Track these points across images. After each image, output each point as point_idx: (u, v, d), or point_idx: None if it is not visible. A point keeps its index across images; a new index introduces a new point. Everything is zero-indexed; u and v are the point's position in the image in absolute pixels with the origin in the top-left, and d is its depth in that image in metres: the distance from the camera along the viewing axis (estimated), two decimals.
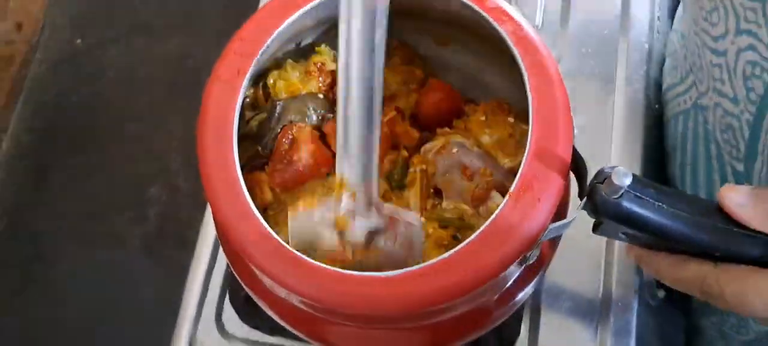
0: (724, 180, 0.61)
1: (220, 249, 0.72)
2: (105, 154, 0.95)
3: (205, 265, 0.75)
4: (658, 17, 0.77)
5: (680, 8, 0.71)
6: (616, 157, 0.69)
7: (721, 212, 0.43)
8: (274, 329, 0.67)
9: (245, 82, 0.47)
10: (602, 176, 0.43)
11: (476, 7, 0.49)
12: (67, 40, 1.04)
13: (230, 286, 0.70)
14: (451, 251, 0.42)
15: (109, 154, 0.95)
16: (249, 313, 0.68)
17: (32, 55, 1.04)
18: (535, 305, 0.66)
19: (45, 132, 0.98)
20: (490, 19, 0.48)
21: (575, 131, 0.48)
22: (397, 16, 0.55)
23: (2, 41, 0.99)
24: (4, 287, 0.92)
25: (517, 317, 0.65)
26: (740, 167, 0.59)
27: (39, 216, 0.95)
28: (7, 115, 1.01)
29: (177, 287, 0.81)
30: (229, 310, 0.71)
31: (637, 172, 0.69)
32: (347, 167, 0.45)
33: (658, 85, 0.74)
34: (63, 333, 0.88)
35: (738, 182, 0.60)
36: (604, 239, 0.60)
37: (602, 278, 0.66)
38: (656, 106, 0.73)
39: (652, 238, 0.44)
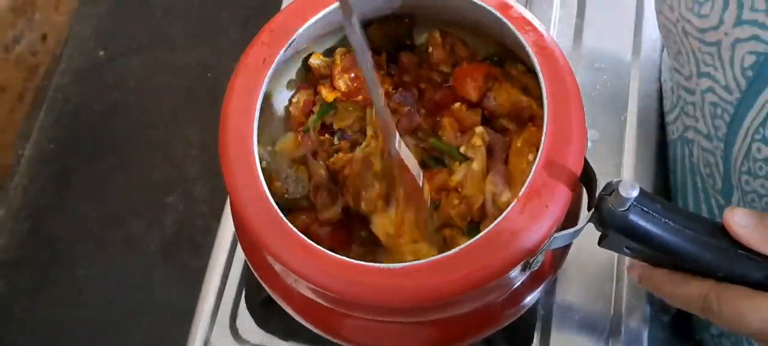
0: (709, 212, 0.62)
1: (235, 255, 0.73)
2: (124, 162, 0.97)
3: (221, 270, 0.76)
4: None
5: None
6: (628, 171, 0.69)
7: (725, 233, 0.43)
8: (288, 333, 0.68)
9: (270, 71, 0.48)
10: (610, 189, 0.44)
11: (500, 15, 0.50)
12: (90, 52, 1.06)
13: (245, 290, 0.71)
14: (456, 249, 0.43)
15: (128, 162, 0.96)
16: (263, 317, 0.69)
17: (56, 66, 1.06)
18: (546, 316, 0.66)
19: (67, 140, 1.00)
20: (513, 28, 0.49)
21: (589, 143, 0.48)
22: (428, 21, 0.56)
23: (27, 52, 1.01)
24: (23, 288, 0.94)
25: (528, 328, 0.66)
26: (722, 200, 0.59)
27: (59, 220, 0.96)
28: (31, 123, 1.03)
29: (192, 292, 0.82)
30: (243, 314, 0.72)
31: (649, 187, 0.69)
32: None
33: None
34: (79, 336, 0.89)
35: (721, 214, 0.60)
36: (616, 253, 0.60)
37: (614, 292, 0.66)
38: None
39: (656, 253, 0.45)
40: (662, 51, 0.76)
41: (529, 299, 0.53)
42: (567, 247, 0.55)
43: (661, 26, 0.55)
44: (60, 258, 0.93)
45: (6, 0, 0.97)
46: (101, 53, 1.07)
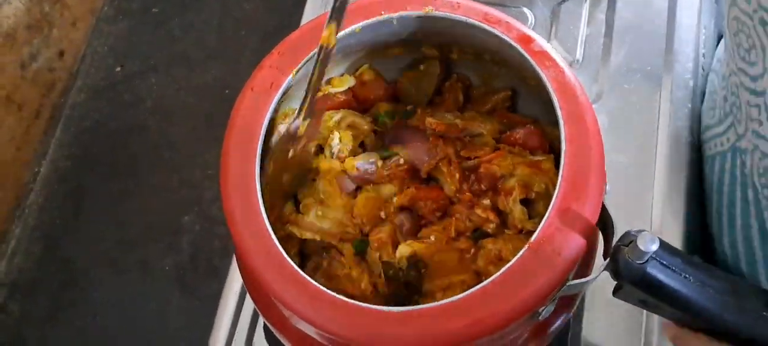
0: (761, 226, 0.59)
1: None
2: (141, 182, 0.96)
3: (237, 294, 0.74)
4: (703, 54, 0.76)
5: (720, 48, 0.69)
6: (659, 197, 0.67)
7: (757, 296, 0.40)
8: None
9: (277, 96, 0.47)
10: (628, 239, 0.41)
11: (520, 48, 0.48)
12: (107, 69, 1.06)
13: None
14: (463, 294, 0.40)
15: (144, 182, 0.95)
16: (279, 342, 0.67)
17: (73, 83, 1.05)
18: None
19: (83, 158, 0.99)
20: (533, 63, 0.47)
21: (607, 186, 0.46)
22: (452, 51, 0.55)
23: (44, 69, 1.00)
24: (37, 311, 0.92)
25: None
26: None
27: (74, 242, 0.95)
28: (47, 140, 1.03)
29: (208, 316, 0.81)
30: (259, 338, 0.70)
31: (681, 213, 0.67)
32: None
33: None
34: None
35: None
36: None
37: (644, 331, 0.64)
38: (701, 144, 0.71)
39: (672, 310, 0.42)
40: (707, 70, 0.74)
41: (549, 335, 0.51)
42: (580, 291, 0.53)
43: (731, 21, 0.52)
44: (74, 281, 0.91)
45: (22, 17, 0.97)
46: (118, 70, 1.06)
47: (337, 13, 0.44)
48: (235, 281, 0.76)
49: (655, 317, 0.64)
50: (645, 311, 0.64)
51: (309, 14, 0.82)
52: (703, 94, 0.74)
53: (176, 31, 1.08)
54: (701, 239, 0.70)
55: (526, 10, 0.77)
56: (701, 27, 0.76)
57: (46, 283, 0.93)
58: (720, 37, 0.80)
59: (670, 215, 0.67)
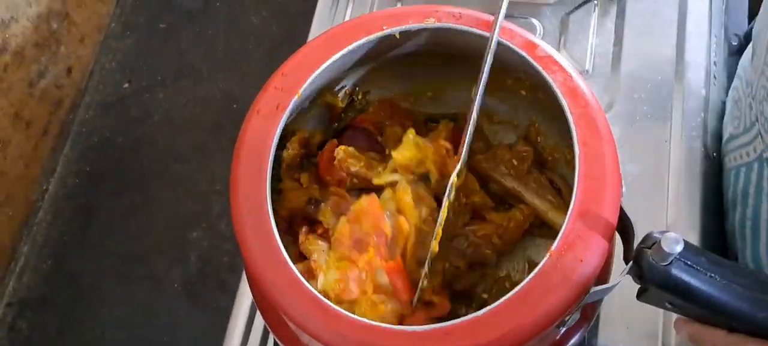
0: None
1: None
2: (148, 197, 0.96)
3: (247, 309, 0.73)
4: (715, 63, 0.75)
5: (746, 56, 0.68)
6: (673, 209, 0.66)
7: None
8: None
9: (284, 117, 0.46)
10: (650, 241, 0.40)
11: (526, 55, 0.47)
12: (114, 85, 1.06)
13: None
14: (487, 309, 0.40)
15: (153, 197, 0.95)
16: None
17: (81, 99, 1.05)
18: None
19: (91, 174, 0.99)
20: (540, 68, 0.47)
21: (623, 189, 0.45)
22: (452, 64, 0.54)
23: (52, 86, 1.00)
24: (47, 326, 0.92)
25: None
26: None
27: (83, 257, 0.95)
28: (55, 157, 1.03)
29: (216, 331, 0.80)
30: None
31: (696, 225, 0.66)
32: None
33: (716, 134, 0.71)
34: None
35: None
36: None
37: (661, 336, 0.63)
38: (714, 155, 0.70)
39: (701, 310, 0.41)
40: (718, 78, 0.73)
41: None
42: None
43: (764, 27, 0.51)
44: (83, 297, 0.91)
45: (30, 36, 0.97)
46: (126, 85, 1.06)
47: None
48: (244, 296, 0.75)
49: (671, 321, 0.63)
50: (662, 318, 0.63)
51: (317, 27, 0.81)
52: (717, 104, 0.73)
53: (183, 44, 1.08)
54: (717, 251, 0.69)
55: (534, 20, 0.76)
56: (712, 36, 0.75)
57: (55, 299, 0.93)
58: (734, 48, 0.79)
59: (685, 226, 0.66)
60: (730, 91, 0.69)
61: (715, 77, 0.74)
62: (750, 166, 0.61)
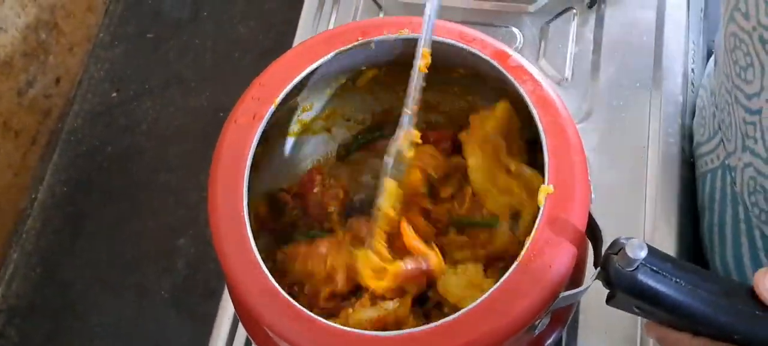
0: (752, 244, 0.59)
1: None
2: (137, 206, 0.96)
3: (231, 316, 0.74)
4: (693, 69, 0.76)
5: (710, 64, 0.69)
6: (651, 215, 0.67)
7: (748, 295, 0.41)
8: None
9: (260, 127, 0.47)
10: (617, 247, 0.42)
11: (498, 65, 0.48)
12: (103, 94, 1.06)
13: None
14: (456, 314, 0.41)
15: (141, 206, 0.96)
16: None
17: (69, 109, 1.06)
18: None
19: (80, 183, 1.00)
20: (511, 78, 0.48)
21: (593, 196, 0.46)
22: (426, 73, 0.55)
23: (41, 95, 1.01)
24: (35, 336, 0.93)
25: None
26: (766, 230, 0.56)
27: (72, 265, 0.96)
28: (44, 166, 1.03)
29: (205, 338, 0.81)
30: None
31: (673, 230, 0.67)
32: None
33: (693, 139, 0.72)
34: None
35: (764, 247, 0.57)
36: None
37: (639, 339, 0.63)
38: (692, 160, 0.71)
39: (667, 315, 0.42)
40: (696, 85, 0.74)
41: None
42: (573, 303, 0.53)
43: (729, 37, 0.52)
44: (72, 305, 0.92)
45: (19, 45, 0.98)
46: (114, 95, 1.07)
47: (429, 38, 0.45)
48: (228, 303, 0.76)
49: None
50: (639, 322, 0.64)
51: (300, 37, 0.83)
52: (693, 109, 0.74)
53: (171, 54, 1.08)
54: (694, 255, 0.70)
55: (514, 29, 0.77)
56: (690, 43, 0.76)
57: (44, 308, 0.94)
58: (709, 54, 0.80)
59: (662, 231, 0.67)
60: (697, 99, 0.71)
61: (692, 84, 0.75)
62: (715, 172, 0.63)
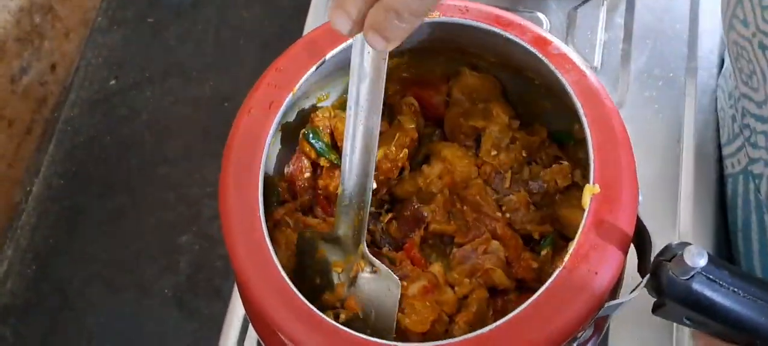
0: None
1: None
2: (137, 199, 0.92)
3: (241, 318, 0.70)
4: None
5: (727, 61, 0.66)
6: (685, 214, 0.63)
7: None
8: None
9: (278, 116, 0.43)
10: (670, 253, 0.39)
11: (539, 54, 0.45)
12: (101, 82, 1.02)
13: None
14: (496, 323, 0.38)
15: (140, 200, 0.92)
16: None
17: (66, 97, 1.02)
18: None
19: (77, 176, 0.96)
20: (553, 67, 0.44)
21: (640, 197, 0.43)
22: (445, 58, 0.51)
23: (36, 82, 0.97)
24: (33, 334, 0.89)
25: None
26: None
27: (69, 262, 0.92)
28: (40, 157, 0.99)
29: (209, 339, 0.77)
30: None
31: (709, 232, 0.63)
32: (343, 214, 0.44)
33: None
34: None
35: None
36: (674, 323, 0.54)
37: None
38: None
39: (722, 327, 0.39)
40: (718, 77, 0.70)
41: None
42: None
43: (731, 45, 0.49)
44: (69, 304, 0.88)
45: (12, 30, 0.93)
46: (112, 83, 1.02)
47: None
48: (237, 304, 0.72)
49: (685, 335, 0.60)
50: (675, 330, 0.61)
51: (312, 22, 0.79)
52: None
53: (172, 41, 1.04)
54: (729, 255, 0.67)
55: (540, 14, 0.73)
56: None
57: (40, 306, 0.90)
58: None
59: (698, 228, 0.64)
60: (716, 99, 0.67)
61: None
62: (736, 177, 0.60)
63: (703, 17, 0.71)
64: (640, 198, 0.44)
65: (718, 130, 0.67)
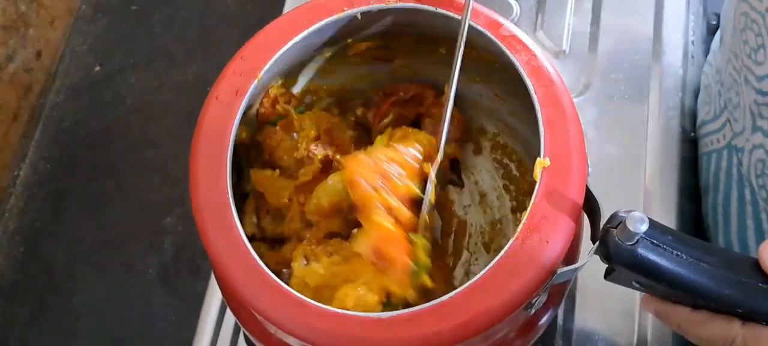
0: (758, 226, 0.57)
1: None
2: (122, 182, 0.94)
3: (220, 296, 0.72)
4: (692, 42, 0.74)
5: (715, 41, 0.67)
6: (651, 190, 0.65)
7: (753, 267, 0.39)
8: None
9: (244, 103, 0.45)
10: (616, 221, 0.40)
11: (490, 35, 0.46)
12: (86, 68, 1.04)
13: None
14: (453, 292, 0.39)
15: (126, 182, 0.93)
16: None
17: (51, 84, 1.03)
18: None
19: (62, 160, 0.97)
20: (504, 47, 0.46)
21: (589, 169, 0.45)
22: (415, 47, 0.53)
23: (22, 69, 0.98)
24: (19, 315, 0.91)
25: None
26: None
27: (55, 244, 0.93)
28: (26, 143, 1.00)
29: (192, 317, 0.79)
30: (244, 343, 0.69)
31: (672, 208, 0.65)
32: None
33: (693, 114, 0.70)
34: None
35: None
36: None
37: (637, 324, 0.62)
38: (692, 135, 0.69)
39: (668, 289, 0.40)
40: (696, 58, 0.72)
41: (538, 329, 0.49)
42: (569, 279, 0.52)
43: (740, 16, 0.50)
44: (56, 284, 0.90)
45: None
46: (97, 69, 1.04)
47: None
48: (216, 284, 0.74)
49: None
50: (637, 300, 0.63)
51: (290, 7, 0.80)
52: (695, 84, 0.72)
53: (156, 27, 1.06)
54: (694, 232, 0.69)
55: (511, 0, 0.75)
56: (690, 14, 0.74)
57: (28, 286, 0.92)
58: (709, 27, 0.78)
59: (661, 207, 0.66)
60: (701, 76, 0.69)
61: (693, 56, 0.73)
62: (720, 153, 0.61)
63: (669, 2, 0.73)
64: (590, 170, 0.45)
65: (682, 110, 0.69)
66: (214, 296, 0.72)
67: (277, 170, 0.50)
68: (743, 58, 0.51)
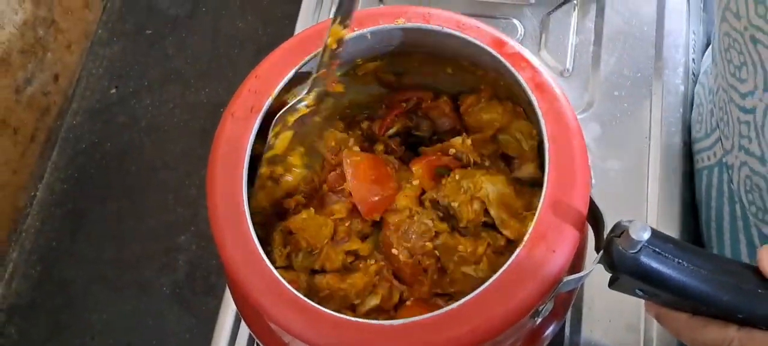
0: (749, 242, 0.58)
1: None
2: (137, 202, 0.96)
3: (233, 313, 0.73)
4: (693, 59, 0.76)
5: (707, 59, 0.69)
6: (653, 205, 0.67)
7: (752, 274, 0.41)
8: None
9: (258, 119, 0.46)
10: (619, 230, 0.41)
11: (495, 53, 0.48)
12: (102, 90, 1.06)
13: None
14: (461, 301, 0.40)
15: (141, 202, 0.95)
16: None
17: (68, 106, 1.06)
18: None
19: (79, 180, 0.99)
20: (508, 65, 0.47)
21: (593, 180, 0.46)
22: (422, 67, 0.55)
23: (39, 92, 1.00)
24: (36, 334, 0.92)
25: None
26: (765, 229, 0.56)
27: (71, 264, 0.95)
28: (43, 164, 1.03)
29: (207, 334, 0.80)
30: None
31: (675, 221, 0.66)
32: None
33: None
34: None
35: (762, 243, 0.57)
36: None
37: (642, 337, 0.63)
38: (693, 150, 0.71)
39: (670, 296, 0.42)
40: (697, 75, 0.74)
41: (543, 340, 0.50)
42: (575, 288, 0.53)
43: (723, 37, 0.52)
44: (72, 303, 0.91)
45: (16, 42, 0.97)
46: (113, 91, 1.06)
47: (342, 14, 0.45)
48: (231, 301, 0.75)
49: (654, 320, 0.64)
50: (643, 312, 0.64)
51: (301, 29, 0.82)
52: (693, 101, 0.74)
53: (170, 50, 1.08)
54: (696, 244, 0.70)
55: (515, 21, 0.77)
56: (690, 32, 0.76)
57: (44, 305, 0.93)
58: (708, 45, 0.80)
59: (664, 222, 0.67)
60: (694, 95, 0.70)
61: (693, 74, 0.75)
62: (711, 169, 0.62)
63: (670, 19, 0.75)
64: (593, 181, 0.47)
65: (684, 126, 0.70)
66: (228, 314, 0.73)
67: (311, 209, 0.52)
68: (728, 76, 0.53)
